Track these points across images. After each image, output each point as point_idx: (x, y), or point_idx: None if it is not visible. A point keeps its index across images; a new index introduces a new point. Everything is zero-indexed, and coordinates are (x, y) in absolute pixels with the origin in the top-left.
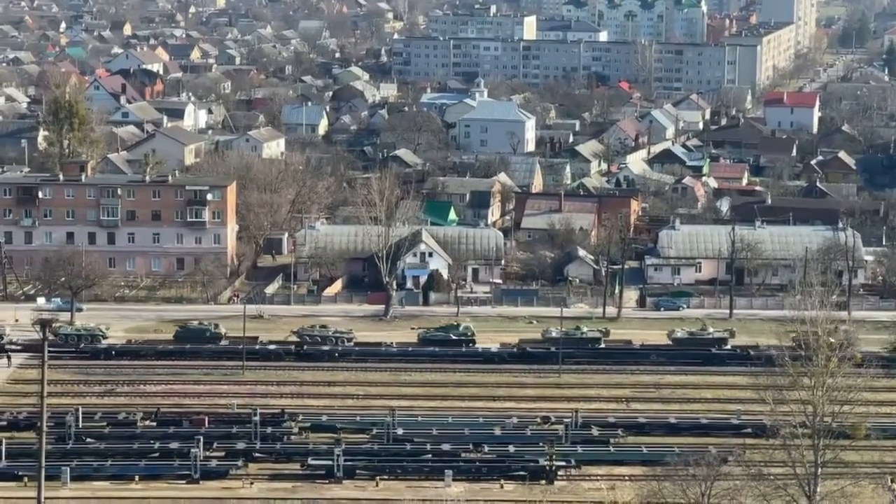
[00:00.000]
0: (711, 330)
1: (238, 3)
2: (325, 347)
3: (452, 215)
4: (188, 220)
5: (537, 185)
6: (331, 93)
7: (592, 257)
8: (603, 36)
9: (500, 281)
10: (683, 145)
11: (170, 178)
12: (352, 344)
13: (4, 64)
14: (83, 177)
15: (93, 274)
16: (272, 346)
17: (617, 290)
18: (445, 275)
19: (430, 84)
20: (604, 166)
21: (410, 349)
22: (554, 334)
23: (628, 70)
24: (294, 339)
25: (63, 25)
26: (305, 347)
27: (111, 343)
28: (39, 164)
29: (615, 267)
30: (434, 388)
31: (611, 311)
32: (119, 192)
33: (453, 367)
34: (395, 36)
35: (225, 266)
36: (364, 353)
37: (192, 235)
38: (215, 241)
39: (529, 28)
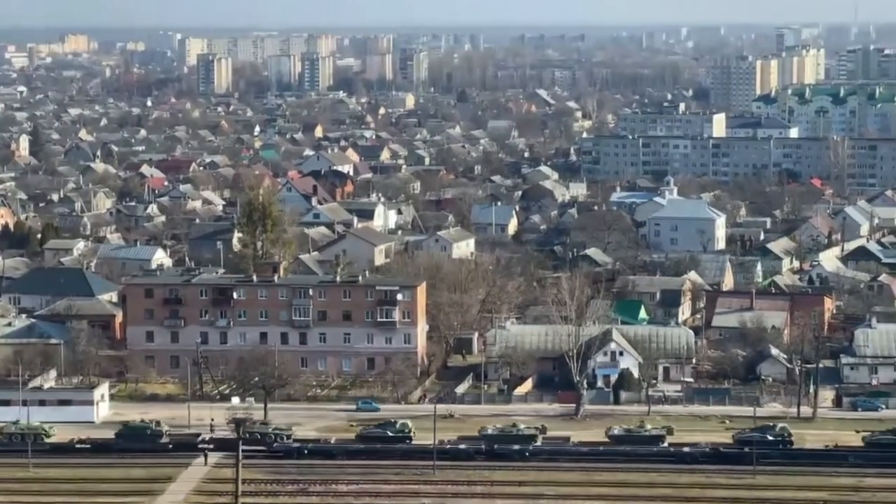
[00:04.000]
0: None
1: (427, 104)
2: (516, 447)
3: (643, 314)
4: (378, 320)
5: (728, 283)
6: (520, 192)
7: (785, 356)
8: (794, 132)
9: (691, 380)
10: (879, 242)
11: (360, 278)
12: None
13: (202, 168)
14: (276, 278)
15: (285, 373)
16: (462, 446)
17: (811, 390)
18: (636, 374)
19: (620, 182)
20: (796, 264)
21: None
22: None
23: (820, 166)
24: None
25: (257, 129)
26: (496, 447)
27: (302, 443)
28: (234, 265)
29: (809, 366)
30: (624, 489)
31: (806, 410)
32: (311, 292)
33: (643, 466)
34: (584, 135)
35: (415, 366)
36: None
37: (382, 335)
38: (405, 341)
39: (719, 125)
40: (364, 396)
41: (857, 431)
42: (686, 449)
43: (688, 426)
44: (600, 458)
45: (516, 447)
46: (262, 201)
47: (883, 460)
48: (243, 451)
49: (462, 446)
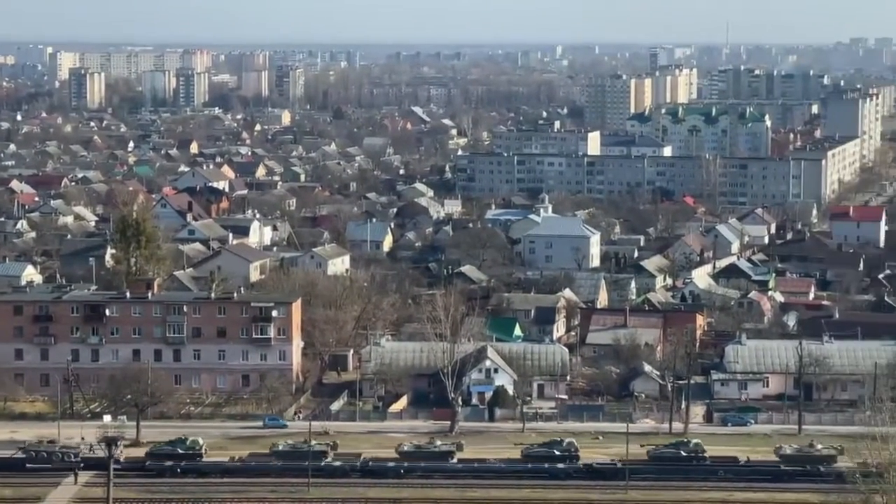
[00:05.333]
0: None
1: (303, 120)
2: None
3: (517, 331)
4: (253, 336)
5: (602, 300)
6: (395, 209)
7: (658, 373)
8: (667, 151)
9: (565, 397)
10: (749, 260)
11: (235, 295)
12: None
13: (73, 183)
14: (149, 294)
15: (158, 391)
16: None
17: (683, 406)
18: (511, 391)
19: (495, 200)
20: (669, 281)
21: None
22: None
23: (693, 185)
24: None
25: (131, 145)
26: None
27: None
28: (107, 281)
29: (681, 382)
30: None
31: (677, 426)
32: (185, 309)
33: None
34: (459, 152)
35: (290, 383)
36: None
37: (257, 352)
38: (280, 357)
39: (593, 143)
40: (240, 414)
41: (642, 445)
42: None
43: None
44: (477, 475)
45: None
46: (136, 217)
47: (663, 473)
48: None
49: (338, 464)
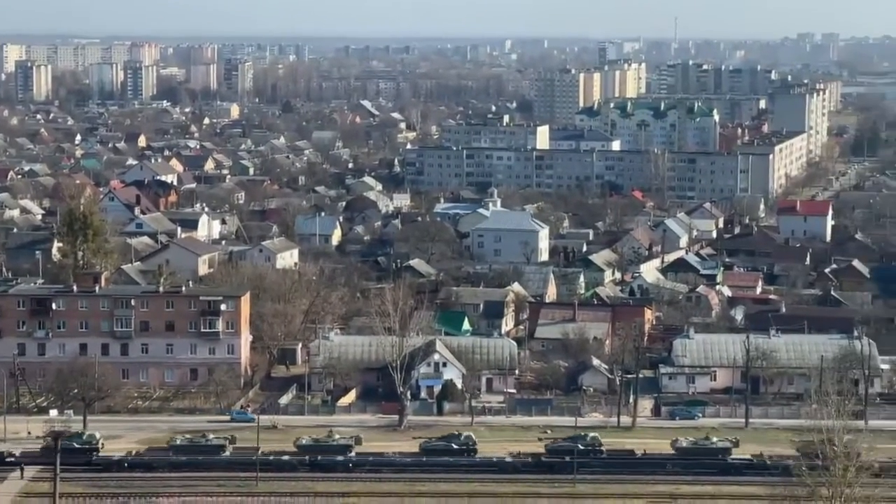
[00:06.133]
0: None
1: (251, 114)
2: (340, 458)
3: (466, 325)
4: (202, 330)
5: (551, 294)
6: (344, 203)
7: (606, 366)
8: (616, 145)
9: (514, 390)
10: (697, 254)
11: (183, 288)
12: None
13: (20, 176)
14: (97, 288)
15: (106, 385)
16: (286, 458)
17: (631, 400)
18: (459, 385)
19: (444, 194)
20: (617, 275)
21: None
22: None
23: (641, 179)
24: None
25: (78, 138)
26: (320, 458)
27: (125, 455)
28: (53, 275)
29: (629, 376)
30: (444, 499)
31: (625, 420)
32: (132, 303)
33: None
34: (408, 146)
35: (238, 376)
36: (377, 463)
37: (205, 346)
38: (229, 351)
39: (542, 137)
40: (188, 408)
41: (539, 439)
42: (508, 459)
43: (510, 437)
44: (422, 469)
45: (339, 458)
46: (83, 211)
47: (562, 468)
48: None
49: (284, 457)
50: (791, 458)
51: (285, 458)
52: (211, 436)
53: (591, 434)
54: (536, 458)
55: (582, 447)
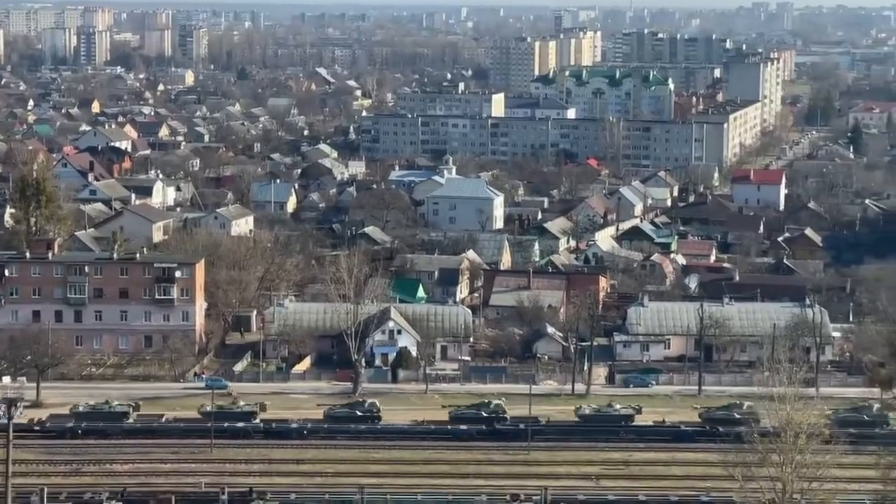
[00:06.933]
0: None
1: (206, 81)
2: (295, 425)
3: (421, 293)
4: (156, 297)
5: (506, 262)
6: (299, 170)
7: (561, 334)
8: (571, 113)
9: (468, 358)
10: (652, 222)
11: (138, 255)
12: None
13: None
14: (50, 255)
15: (59, 352)
16: (241, 424)
17: (586, 367)
18: (414, 352)
19: (399, 161)
20: (572, 243)
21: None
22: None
23: (596, 147)
24: None
25: (31, 103)
26: (274, 425)
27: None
28: (6, 242)
29: (584, 344)
30: (401, 466)
31: (580, 388)
32: (86, 269)
33: (423, 444)
34: (364, 113)
35: (193, 343)
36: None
37: (160, 313)
38: (183, 318)
39: (498, 105)
40: (142, 375)
41: (444, 406)
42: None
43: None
44: (380, 436)
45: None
46: (36, 177)
47: (462, 434)
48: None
49: (240, 425)
50: (692, 424)
51: (189, 424)
52: (115, 403)
53: (495, 401)
54: (439, 425)
55: (486, 414)
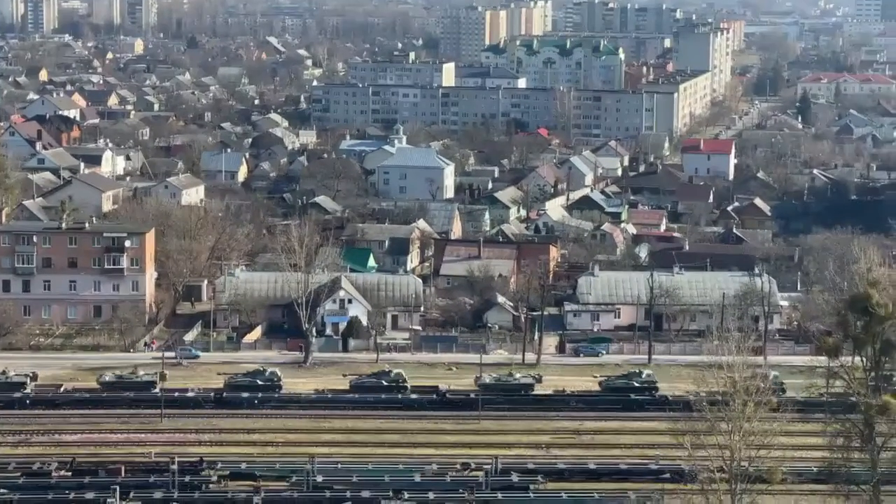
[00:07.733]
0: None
1: (156, 49)
2: (246, 395)
3: (372, 262)
4: (106, 267)
5: (456, 231)
6: (250, 140)
7: (512, 304)
8: (522, 83)
9: (419, 328)
10: (602, 192)
11: (87, 225)
12: None
13: None
14: None
15: (7, 322)
16: (191, 394)
17: (536, 337)
18: (365, 321)
19: (349, 131)
20: (523, 213)
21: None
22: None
23: (547, 117)
24: None
25: None
26: (225, 395)
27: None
28: None
29: (534, 313)
30: (354, 435)
31: (530, 357)
32: (34, 239)
33: (376, 413)
34: (315, 83)
35: (143, 313)
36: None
37: (109, 283)
38: (133, 288)
39: (448, 75)
40: (92, 345)
41: (344, 375)
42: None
43: (414, 373)
44: (332, 405)
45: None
46: None
47: (362, 402)
48: None
49: (190, 394)
50: (591, 393)
51: (87, 395)
52: (12, 373)
53: (396, 370)
54: (338, 393)
55: (386, 383)
